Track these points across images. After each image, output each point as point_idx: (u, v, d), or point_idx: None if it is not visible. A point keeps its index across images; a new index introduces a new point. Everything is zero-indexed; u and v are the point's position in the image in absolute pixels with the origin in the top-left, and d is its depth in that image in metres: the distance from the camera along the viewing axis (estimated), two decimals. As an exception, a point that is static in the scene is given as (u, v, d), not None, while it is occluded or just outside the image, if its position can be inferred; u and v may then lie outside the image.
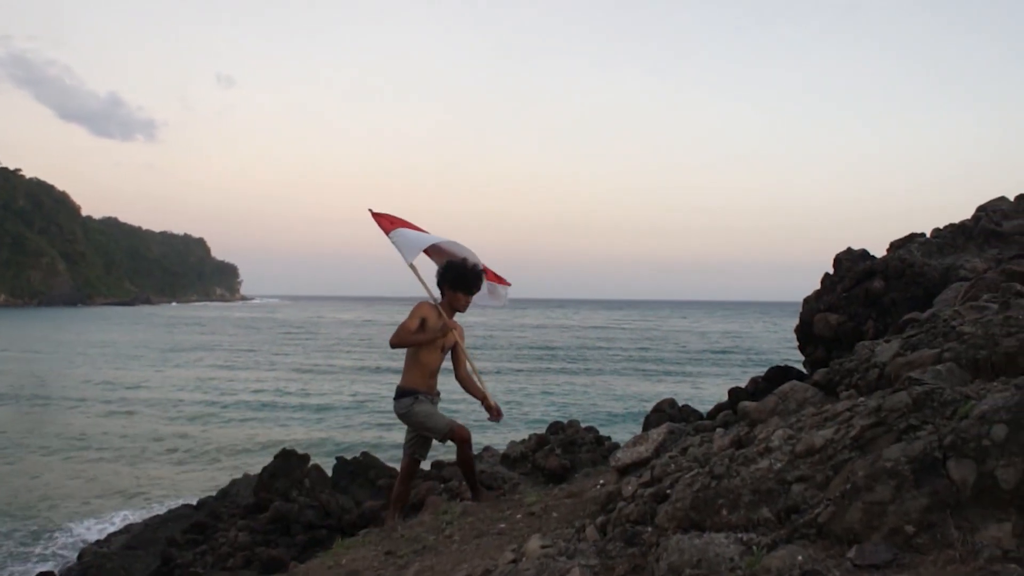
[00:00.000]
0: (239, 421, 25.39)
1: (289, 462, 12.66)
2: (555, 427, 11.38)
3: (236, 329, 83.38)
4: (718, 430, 3.52)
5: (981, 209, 8.37)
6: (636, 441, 3.90)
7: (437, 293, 5.97)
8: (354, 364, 44.01)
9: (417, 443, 5.98)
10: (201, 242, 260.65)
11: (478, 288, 6.00)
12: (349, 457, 13.93)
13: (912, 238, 8.22)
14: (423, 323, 5.76)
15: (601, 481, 4.87)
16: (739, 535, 2.58)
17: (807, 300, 8.26)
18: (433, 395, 5.92)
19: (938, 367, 2.83)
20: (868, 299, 7.32)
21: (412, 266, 5.98)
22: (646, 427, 9.55)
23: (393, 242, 6.04)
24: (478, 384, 6.08)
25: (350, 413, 27.09)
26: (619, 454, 3.81)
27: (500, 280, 6.47)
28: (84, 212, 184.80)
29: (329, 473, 13.53)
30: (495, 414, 5.99)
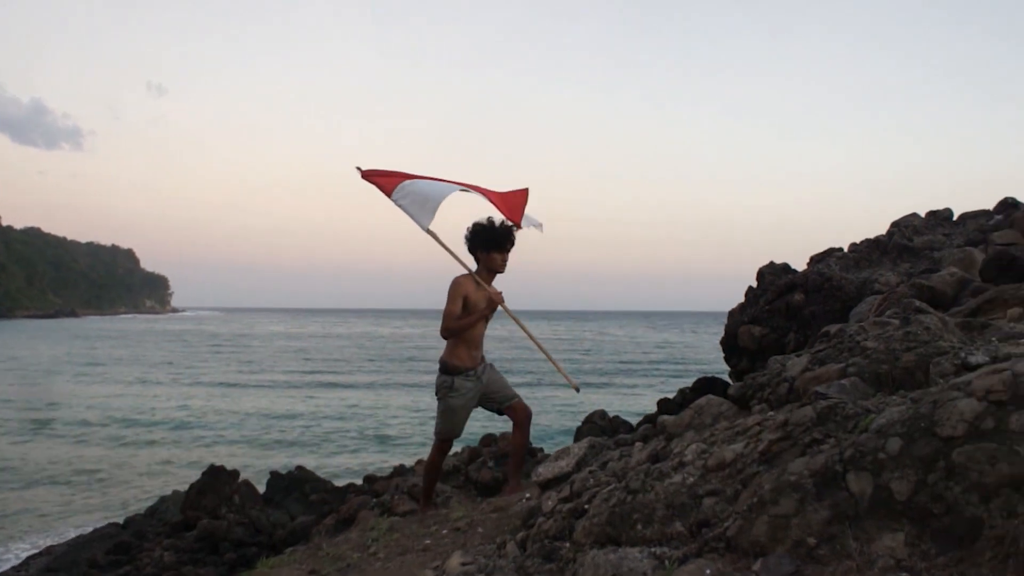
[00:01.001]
0: (166, 439, 24.75)
1: (218, 478, 12.40)
2: (488, 439, 11.38)
3: (163, 342, 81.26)
4: (637, 444, 3.58)
5: (895, 225, 8.68)
6: (558, 456, 3.94)
7: (469, 259, 5.51)
8: (286, 379, 43.31)
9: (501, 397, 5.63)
10: (130, 253, 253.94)
11: (512, 243, 5.49)
12: (284, 472, 13.73)
13: (831, 252, 8.48)
14: (466, 302, 5.38)
15: (527, 495, 4.89)
16: (653, 549, 2.63)
17: (732, 313, 8.43)
18: (478, 367, 5.52)
19: (843, 381, 2.93)
20: (789, 312, 7.52)
21: (431, 232, 5.43)
22: (577, 438, 9.63)
23: (399, 206, 5.45)
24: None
25: (283, 428, 26.65)
26: (540, 469, 3.84)
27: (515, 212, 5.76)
28: (5, 222, 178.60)
29: (262, 489, 13.30)
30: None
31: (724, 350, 8.37)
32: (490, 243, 5.43)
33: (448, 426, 5.53)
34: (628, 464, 3.34)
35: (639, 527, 2.76)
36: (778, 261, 8.59)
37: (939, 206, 9.08)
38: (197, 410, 30.63)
